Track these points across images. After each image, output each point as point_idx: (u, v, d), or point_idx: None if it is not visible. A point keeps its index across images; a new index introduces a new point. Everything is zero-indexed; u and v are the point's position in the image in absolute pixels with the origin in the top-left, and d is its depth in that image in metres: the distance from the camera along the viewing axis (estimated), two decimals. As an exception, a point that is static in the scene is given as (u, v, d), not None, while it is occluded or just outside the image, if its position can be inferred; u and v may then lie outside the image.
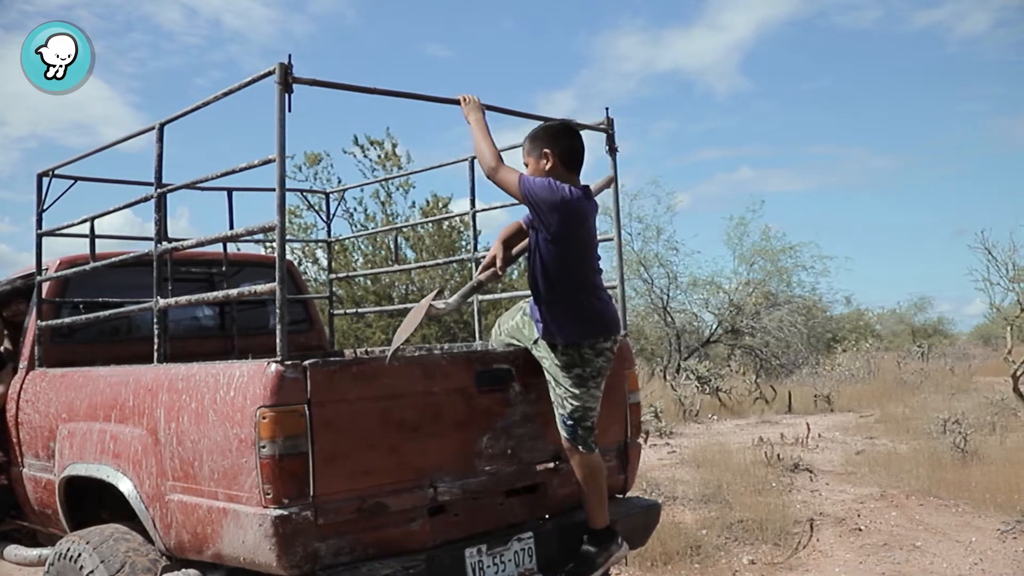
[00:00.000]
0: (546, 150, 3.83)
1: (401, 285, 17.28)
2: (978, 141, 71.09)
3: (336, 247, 16.15)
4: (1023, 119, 76.98)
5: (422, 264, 14.41)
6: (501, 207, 5.56)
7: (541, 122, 4.07)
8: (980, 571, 6.67)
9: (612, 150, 4.52)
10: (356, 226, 18.18)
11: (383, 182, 18.46)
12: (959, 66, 74.44)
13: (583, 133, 4.08)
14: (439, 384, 3.65)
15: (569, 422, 3.82)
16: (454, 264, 17.88)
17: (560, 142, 3.86)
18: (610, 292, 4.14)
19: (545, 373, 3.89)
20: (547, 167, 3.82)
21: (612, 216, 4.72)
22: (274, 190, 3.24)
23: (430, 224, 18.14)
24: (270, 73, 3.25)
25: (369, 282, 17.39)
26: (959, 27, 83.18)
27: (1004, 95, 71.98)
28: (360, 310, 13.06)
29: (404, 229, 17.80)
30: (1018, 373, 15.64)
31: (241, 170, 3.53)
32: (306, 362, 3.25)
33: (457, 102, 3.98)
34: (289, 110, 3.21)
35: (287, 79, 3.22)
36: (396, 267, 9.09)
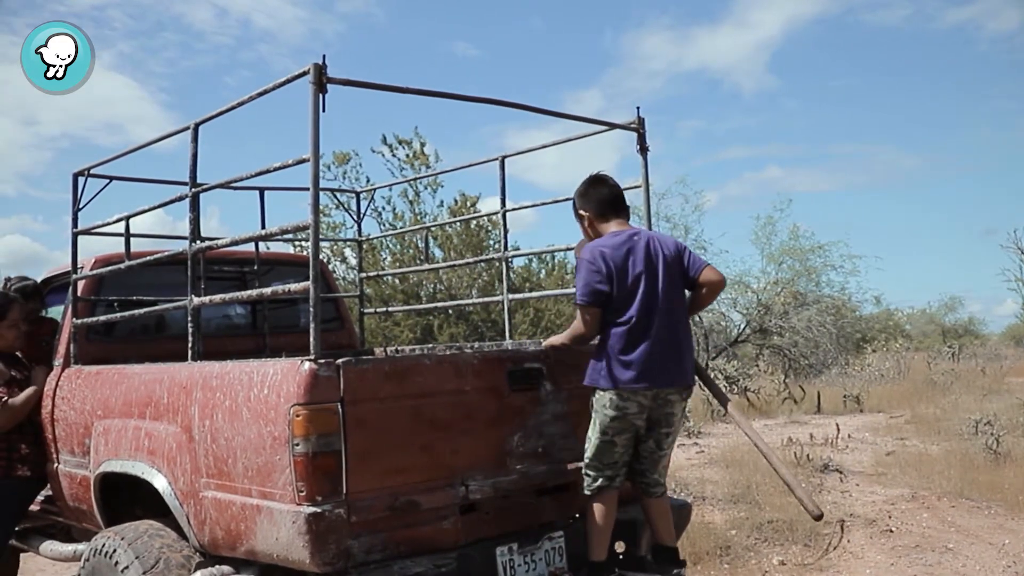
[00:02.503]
0: (580, 212, 4.04)
1: (429, 284, 17.31)
2: (1008, 139, 70.31)
3: (364, 246, 16.31)
4: (1055, 118, 75.96)
5: (451, 263, 14.42)
6: (531, 206, 5.56)
7: (569, 119, 4.11)
8: (1013, 574, 6.61)
9: (643, 149, 4.51)
10: (384, 225, 18.25)
11: (412, 181, 18.50)
12: (989, 64, 73.67)
13: (613, 136, 4.10)
14: (470, 383, 3.66)
15: None
16: (482, 264, 17.96)
17: (588, 198, 4.03)
18: None
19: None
20: (588, 226, 4.03)
21: (643, 215, 4.71)
22: (306, 189, 3.26)
23: (458, 223, 18.18)
24: (305, 73, 3.28)
25: (397, 281, 17.45)
26: (990, 25, 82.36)
27: (1035, 93, 71.06)
28: (390, 309, 13.09)
29: (432, 228, 17.87)
30: (1052, 374, 15.45)
31: (275, 170, 3.55)
32: (339, 360, 3.27)
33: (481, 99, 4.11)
34: (323, 110, 3.24)
35: (321, 79, 3.24)
36: (426, 266, 9.11)
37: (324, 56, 3.26)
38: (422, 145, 18.53)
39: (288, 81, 3.42)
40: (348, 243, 15.16)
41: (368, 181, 18.30)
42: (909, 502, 8.55)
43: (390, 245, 18.09)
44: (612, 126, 4.54)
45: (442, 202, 18.54)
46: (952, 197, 71.63)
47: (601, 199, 4.00)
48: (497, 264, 17.14)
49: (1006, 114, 73.07)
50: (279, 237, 5.43)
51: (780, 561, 6.93)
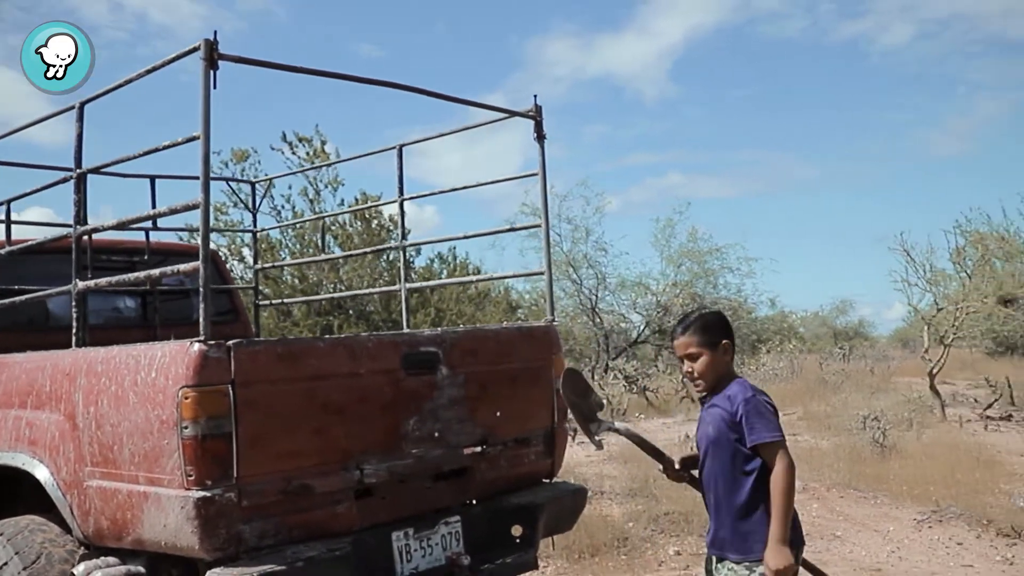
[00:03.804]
0: (725, 341, 3.36)
1: (329, 284, 17.10)
2: (898, 151, 73.05)
3: (263, 244, 16.05)
4: (941, 130, 79.32)
5: (349, 253, 14.26)
6: (430, 195, 5.55)
7: (473, 106, 4.10)
8: (897, 559, 6.86)
9: (540, 137, 4.55)
10: (281, 221, 17.97)
11: (312, 179, 18.24)
12: (881, 77, 76.48)
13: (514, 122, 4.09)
14: (365, 366, 3.62)
15: None
16: (383, 264, 17.85)
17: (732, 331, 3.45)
18: (537, 279, 4.17)
19: None
20: (723, 356, 3.35)
21: (540, 206, 4.75)
22: (198, 178, 3.19)
23: (359, 223, 18.01)
24: (195, 49, 3.21)
25: (296, 280, 17.20)
26: (881, 39, 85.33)
27: (923, 106, 74.10)
28: (285, 301, 12.91)
29: (333, 228, 17.68)
30: (934, 371, 16.14)
31: (165, 148, 3.47)
32: (230, 342, 3.21)
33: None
34: (214, 87, 3.17)
35: (212, 55, 3.17)
36: (323, 256, 9.00)
37: (216, 32, 3.20)
38: (323, 143, 18.28)
39: (179, 57, 3.34)
40: (244, 234, 14.93)
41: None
42: (800, 493, 8.77)
43: (289, 244, 17.83)
44: (510, 113, 4.57)
45: (342, 200, 18.36)
46: (844, 205, 73.95)
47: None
48: (398, 265, 17.06)
49: (897, 125, 75.97)
50: (170, 227, 5.33)
51: (676, 551, 7.05)
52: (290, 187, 18.33)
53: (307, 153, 18.18)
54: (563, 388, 3.73)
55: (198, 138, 3.17)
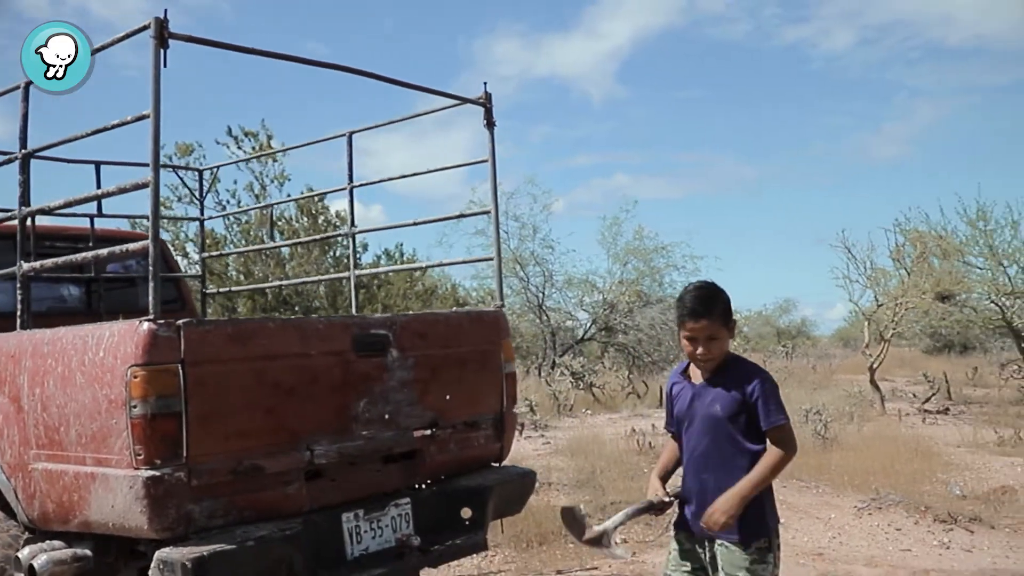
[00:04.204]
0: (733, 319, 3.39)
1: (275, 279, 16.99)
2: (839, 154, 74.38)
3: (208, 240, 15.85)
4: (881, 135, 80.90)
5: (299, 240, 14.17)
6: (379, 182, 5.56)
7: (425, 92, 4.12)
8: (838, 543, 7.03)
9: (490, 124, 4.58)
10: (228, 218, 17.80)
11: (258, 173, 18.12)
12: (822, 81, 77.79)
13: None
14: (316, 347, 3.63)
15: None
16: (330, 261, 17.76)
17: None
18: (484, 278, 4.16)
19: None
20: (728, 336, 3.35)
21: (490, 193, 4.77)
22: (145, 165, 3.18)
23: (305, 219, 17.93)
24: (145, 27, 3.19)
25: (242, 276, 17.06)
26: (824, 43, 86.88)
27: (863, 111, 75.53)
28: (233, 289, 12.79)
29: (279, 223, 17.55)
30: (874, 366, 16.50)
31: (114, 127, 3.44)
32: (180, 321, 3.20)
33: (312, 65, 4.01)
34: (164, 65, 3.16)
35: (163, 34, 3.16)
36: (271, 244, 8.96)
37: (166, 11, 3.19)
38: (269, 138, 18.16)
39: (128, 36, 3.32)
40: (189, 227, 14.86)
41: (213, 174, 17.76)
42: (744, 483, 8.93)
43: (235, 240, 17.66)
44: (461, 100, 4.59)
45: (289, 195, 18.24)
46: (788, 206, 75.17)
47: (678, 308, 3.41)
48: (345, 261, 16.99)
49: (838, 129, 77.35)
50: (115, 214, 5.27)
51: (623, 539, 7.13)
52: (235, 182, 18.26)
53: (252, 148, 18.04)
54: (567, 528, 3.66)
55: (148, 116, 3.15)
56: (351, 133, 5.21)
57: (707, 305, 3.23)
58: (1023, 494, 8.74)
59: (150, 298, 3.14)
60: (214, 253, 10.03)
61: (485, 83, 4.53)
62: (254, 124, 18.41)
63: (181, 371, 3.15)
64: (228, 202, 17.74)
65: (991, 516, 7.81)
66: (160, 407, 3.10)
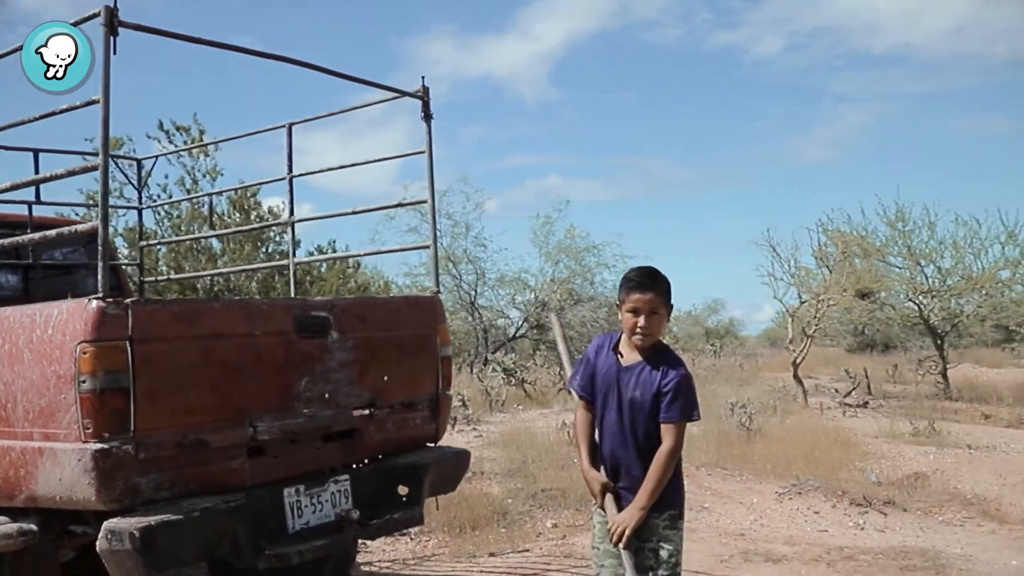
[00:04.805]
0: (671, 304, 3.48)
1: (207, 279, 16.88)
2: (769, 156, 75.86)
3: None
4: (809, 138, 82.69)
5: (237, 229, 14.06)
6: (317, 172, 5.67)
7: (363, 84, 4.24)
8: (760, 526, 7.36)
9: (427, 116, 4.73)
10: (160, 212, 17.63)
11: (190, 168, 17.98)
12: (752, 85, 79.27)
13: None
14: (259, 327, 3.76)
15: None
16: (262, 254, 17.69)
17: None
18: (416, 276, 4.25)
19: None
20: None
21: (427, 181, 4.90)
22: (91, 154, 3.28)
23: (238, 215, 17.84)
24: (95, 15, 3.29)
25: (173, 272, 16.90)
26: (754, 49, 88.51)
27: (792, 115, 77.11)
28: (171, 277, 12.71)
29: (213, 220, 17.42)
30: (798, 361, 17.01)
31: (62, 112, 3.52)
32: (128, 300, 3.31)
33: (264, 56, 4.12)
34: (115, 53, 3.26)
35: (113, 22, 3.26)
36: (208, 233, 8.98)
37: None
38: (201, 132, 17.99)
39: (78, 23, 3.41)
40: (123, 219, 14.70)
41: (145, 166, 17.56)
42: (670, 471, 9.21)
43: (165, 235, 17.48)
44: (399, 93, 4.74)
45: (221, 192, 18.10)
46: (718, 208, 76.47)
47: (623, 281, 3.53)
48: (277, 256, 16.98)
49: (767, 133, 78.88)
50: (53, 201, 5.29)
51: (553, 524, 7.34)
52: (167, 176, 18.05)
53: (184, 142, 17.89)
54: None
55: (98, 101, 3.25)
56: (290, 124, 5.33)
57: (654, 279, 3.39)
58: (935, 480, 9.20)
59: (99, 278, 3.25)
60: (152, 242, 9.99)
61: (423, 77, 4.68)
62: (185, 119, 18.25)
63: (129, 348, 3.26)
64: (159, 196, 17.57)
65: (904, 500, 8.23)
66: (109, 382, 3.21)
